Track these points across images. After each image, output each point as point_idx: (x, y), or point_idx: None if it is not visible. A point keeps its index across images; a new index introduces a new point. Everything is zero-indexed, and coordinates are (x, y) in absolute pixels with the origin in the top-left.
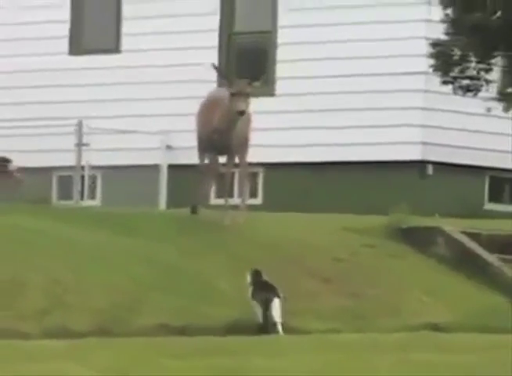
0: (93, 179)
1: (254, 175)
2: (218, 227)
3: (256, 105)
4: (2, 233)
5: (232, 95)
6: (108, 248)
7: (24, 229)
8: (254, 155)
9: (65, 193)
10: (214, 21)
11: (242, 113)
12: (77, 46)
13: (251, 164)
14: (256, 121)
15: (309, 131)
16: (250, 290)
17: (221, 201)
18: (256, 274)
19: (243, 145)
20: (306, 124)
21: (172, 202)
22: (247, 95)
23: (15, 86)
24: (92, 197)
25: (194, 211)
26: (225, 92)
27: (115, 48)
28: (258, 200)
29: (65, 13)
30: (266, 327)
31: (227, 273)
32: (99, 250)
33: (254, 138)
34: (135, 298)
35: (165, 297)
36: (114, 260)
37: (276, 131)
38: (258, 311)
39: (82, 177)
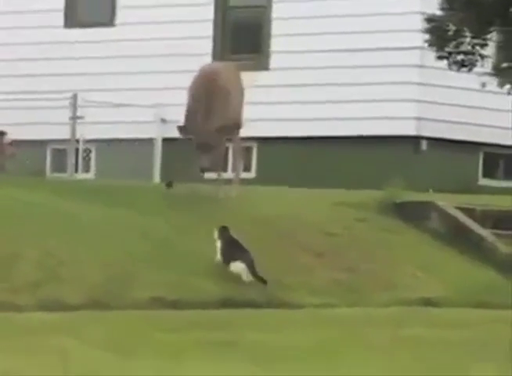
0: (87, 153)
1: (248, 150)
2: (212, 201)
3: (250, 79)
4: None
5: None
6: (102, 221)
7: (18, 201)
8: (247, 129)
9: (59, 166)
10: None
11: (203, 170)
12: (72, 19)
13: (245, 139)
14: (250, 95)
15: (303, 105)
16: (220, 248)
17: (214, 175)
18: (224, 232)
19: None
20: (300, 98)
21: (166, 176)
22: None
23: (10, 59)
24: (86, 170)
25: (169, 185)
26: (217, 66)
27: (110, 22)
28: (252, 174)
29: None
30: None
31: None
32: (93, 223)
33: (248, 112)
34: (128, 272)
35: (159, 270)
36: (108, 233)
37: (270, 106)
38: (243, 271)
39: (76, 150)
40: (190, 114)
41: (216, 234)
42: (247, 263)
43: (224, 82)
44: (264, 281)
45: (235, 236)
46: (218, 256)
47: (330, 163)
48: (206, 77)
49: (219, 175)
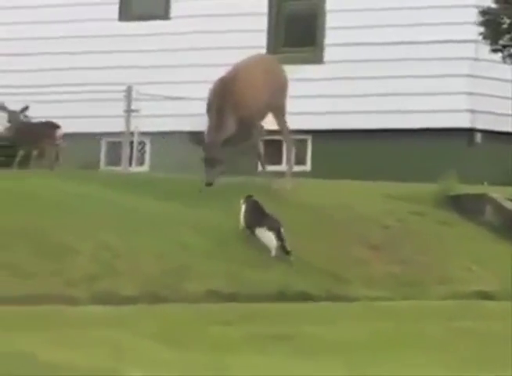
0: (142, 145)
1: (303, 143)
2: (266, 193)
3: (305, 72)
4: (51, 198)
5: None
6: (157, 214)
7: (72, 194)
8: (302, 122)
9: (113, 159)
10: None
11: (208, 185)
12: (126, 12)
13: (300, 132)
14: (305, 89)
15: (357, 98)
16: (243, 213)
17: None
18: (249, 198)
19: (277, 109)
20: (354, 91)
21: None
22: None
23: (65, 52)
24: (141, 163)
25: (209, 185)
26: (238, 67)
27: (164, 15)
28: (307, 168)
29: None
30: (281, 253)
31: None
32: (148, 216)
33: (303, 105)
34: (184, 265)
35: (214, 263)
36: (163, 226)
37: (324, 99)
38: (269, 239)
39: (131, 143)
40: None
41: (241, 201)
42: (274, 230)
43: (239, 85)
44: (287, 252)
45: (261, 204)
46: (242, 222)
47: (385, 156)
48: (219, 88)
49: (264, 167)
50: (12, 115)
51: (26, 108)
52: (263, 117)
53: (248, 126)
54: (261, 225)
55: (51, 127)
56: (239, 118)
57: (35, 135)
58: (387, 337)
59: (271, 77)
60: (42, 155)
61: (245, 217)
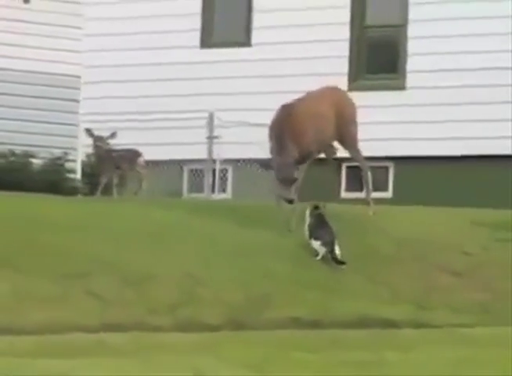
0: (224, 172)
1: (385, 169)
2: (347, 220)
3: (386, 98)
4: (134, 225)
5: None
6: (239, 242)
7: (156, 221)
8: (384, 149)
9: (196, 186)
10: (346, 14)
11: (291, 202)
12: (208, 39)
13: (382, 158)
14: (386, 115)
15: (439, 124)
16: (307, 225)
17: (350, 195)
18: (315, 209)
19: (346, 140)
20: (436, 117)
21: (300, 195)
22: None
23: (147, 79)
24: (223, 189)
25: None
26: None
27: (246, 42)
28: (389, 194)
29: (196, 6)
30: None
31: (356, 265)
32: (231, 243)
33: (384, 132)
34: (266, 292)
35: (296, 290)
36: (245, 253)
37: (406, 125)
38: (320, 250)
39: (213, 170)
40: (271, 151)
41: (308, 212)
42: (325, 243)
43: (298, 114)
44: (341, 262)
45: (326, 215)
46: (306, 233)
47: (467, 182)
48: (280, 115)
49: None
50: (98, 141)
51: (113, 134)
52: (323, 147)
53: (306, 155)
54: (316, 238)
55: (133, 154)
56: (297, 146)
57: (117, 162)
58: (472, 363)
59: (336, 109)
60: (124, 183)
61: (308, 229)
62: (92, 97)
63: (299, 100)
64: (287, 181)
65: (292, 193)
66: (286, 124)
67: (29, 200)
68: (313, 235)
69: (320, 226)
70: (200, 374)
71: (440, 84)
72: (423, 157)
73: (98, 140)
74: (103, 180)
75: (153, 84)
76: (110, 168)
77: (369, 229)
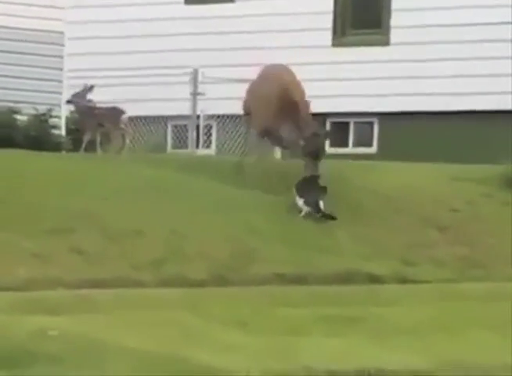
0: (208, 128)
1: (369, 125)
2: (331, 175)
3: (371, 54)
4: (118, 182)
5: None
6: (224, 198)
7: (140, 178)
8: (368, 105)
9: (180, 141)
10: None
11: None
12: None
13: (366, 114)
14: (370, 70)
15: (423, 80)
16: (296, 183)
17: (334, 150)
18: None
19: None
20: (420, 73)
21: (286, 152)
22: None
23: (131, 35)
24: (207, 146)
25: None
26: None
27: None
28: (373, 150)
29: None
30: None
31: (342, 222)
32: (216, 199)
33: (369, 88)
34: (251, 248)
35: (281, 246)
36: (231, 209)
37: (391, 81)
38: (303, 208)
39: (197, 126)
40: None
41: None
42: (307, 202)
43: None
44: (331, 217)
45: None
46: (294, 190)
47: (451, 138)
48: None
49: None
50: (77, 98)
51: (91, 88)
52: None
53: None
54: (300, 196)
55: (116, 112)
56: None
57: (100, 120)
58: (455, 317)
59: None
60: (108, 140)
61: (295, 187)
62: (76, 53)
63: (287, 77)
64: (316, 153)
65: (319, 169)
66: (298, 99)
67: (13, 155)
68: (298, 193)
69: (308, 185)
70: (185, 331)
71: (424, 40)
72: (408, 112)
73: (77, 97)
74: (86, 137)
75: (138, 40)
76: (93, 125)
77: (354, 185)
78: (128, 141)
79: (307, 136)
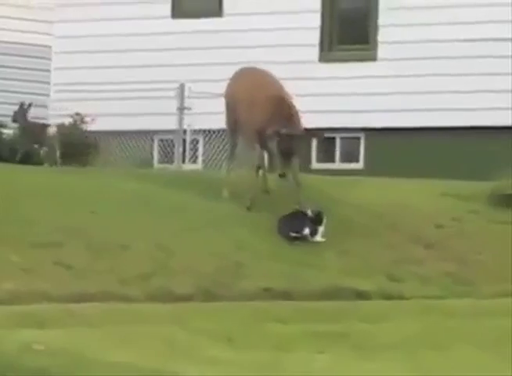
0: (194, 143)
1: (356, 140)
2: (318, 191)
3: (357, 69)
4: (105, 196)
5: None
6: (211, 213)
7: (127, 192)
8: (355, 120)
9: (166, 156)
10: None
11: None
12: (179, 10)
13: (353, 130)
14: (357, 86)
15: (410, 95)
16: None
17: (321, 166)
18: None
19: None
20: (407, 88)
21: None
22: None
23: (118, 49)
24: (194, 160)
25: (282, 176)
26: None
27: (218, 12)
28: (360, 165)
29: None
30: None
31: (329, 237)
32: (202, 214)
33: (356, 103)
34: (238, 263)
35: (268, 261)
36: (217, 224)
37: (377, 96)
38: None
39: (184, 141)
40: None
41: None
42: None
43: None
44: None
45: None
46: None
47: (439, 154)
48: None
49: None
50: (19, 114)
51: (29, 106)
52: None
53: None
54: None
55: (41, 127)
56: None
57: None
58: (440, 334)
59: None
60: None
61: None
62: (64, 67)
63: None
64: (287, 152)
65: (287, 167)
66: (284, 94)
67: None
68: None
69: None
70: (172, 346)
71: (411, 56)
72: (395, 128)
73: (19, 115)
74: (21, 151)
75: (124, 55)
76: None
77: (341, 201)
78: (58, 154)
79: (282, 133)
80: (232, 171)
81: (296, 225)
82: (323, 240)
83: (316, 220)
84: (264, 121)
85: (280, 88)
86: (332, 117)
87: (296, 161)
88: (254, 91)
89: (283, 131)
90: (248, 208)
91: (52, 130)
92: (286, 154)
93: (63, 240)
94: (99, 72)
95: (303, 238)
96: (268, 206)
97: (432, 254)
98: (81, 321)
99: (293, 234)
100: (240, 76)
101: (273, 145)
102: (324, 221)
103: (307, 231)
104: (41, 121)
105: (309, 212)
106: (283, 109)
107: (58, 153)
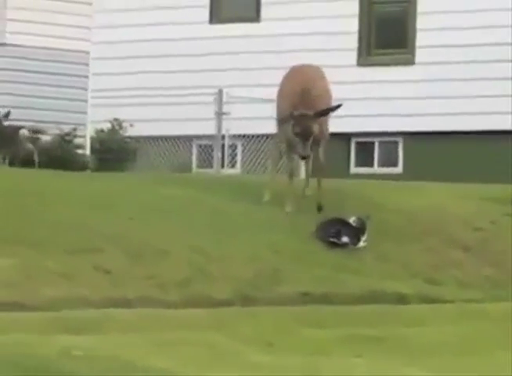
0: (233, 148)
1: (395, 144)
2: (357, 195)
3: (396, 73)
4: (145, 201)
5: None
6: (249, 217)
7: (166, 197)
8: (393, 124)
9: (205, 161)
10: None
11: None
12: (217, 15)
13: (392, 134)
14: (395, 90)
15: (450, 100)
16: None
17: (360, 170)
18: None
19: None
20: (445, 93)
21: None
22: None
23: (156, 55)
24: (232, 165)
25: (320, 209)
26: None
27: (255, 17)
28: (399, 169)
29: None
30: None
31: (368, 241)
32: (241, 219)
33: (393, 107)
34: (277, 267)
35: (306, 266)
36: (256, 229)
37: (416, 100)
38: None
39: (222, 146)
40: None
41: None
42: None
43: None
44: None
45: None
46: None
47: (477, 157)
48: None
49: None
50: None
51: (7, 114)
52: None
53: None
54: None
55: (14, 129)
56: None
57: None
58: (481, 338)
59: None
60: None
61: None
62: (101, 73)
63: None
64: (304, 134)
65: (308, 150)
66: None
67: (39, 175)
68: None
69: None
70: (212, 351)
71: (449, 60)
72: (433, 132)
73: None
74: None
75: (163, 60)
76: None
77: (380, 205)
78: (35, 156)
79: (296, 115)
80: (276, 174)
81: (335, 231)
82: (365, 244)
83: (359, 229)
84: (290, 108)
85: (309, 79)
86: (370, 121)
87: (319, 149)
88: (288, 85)
89: (295, 113)
90: (287, 212)
91: (23, 132)
92: (304, 136)
93: (101, 245)
94: (137, 77)
95: (342, 245)
96: (307, 210)
97: (471, 258)
98: (120, 327)
99: (332, 239)
100: (288, 73)
101: (289, 129)
102: (367, 229)
103: (346, 239)
104: (15, 124)
105: (352, 221)
106: (302, 97)
107: (35, 156)
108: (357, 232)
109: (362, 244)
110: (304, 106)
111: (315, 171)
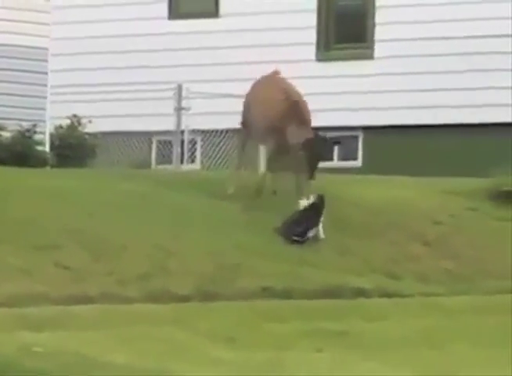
0: (193, 143)
1: (354, 139)
2: (319, 191)
3: (355, 68)
4: (103, 198)
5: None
6: (209, 213)
7: (125, 193)
8: (353, 118)
9: (164, 157)
10: None
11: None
12: (176, 10)
13: (351, 128)
14: (355, 85)
15: (407, 94)
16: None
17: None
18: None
19: None
20: (404, 87)
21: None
22: None
23: (114, 51)
24: (192, 161)
25: (274, 193)
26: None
27: (214, 13)
28: (358, 163)
29: None
30: None
31: (327, 235)
32: (201, 214)
33: (353, 101)
34: (237, 262)
35: (267, 261)
36: (216, 224)
37: (375, 95)
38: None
39: (182, 141)
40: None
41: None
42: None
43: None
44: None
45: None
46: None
47: (437, 151)
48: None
49: None
50: None
51: None
52: None
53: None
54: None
55: None
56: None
57: None
58: (440, 332)
59: None
60: None
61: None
62: (60, 69)
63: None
64: (318, 156)
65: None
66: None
67: None
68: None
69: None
70: (172, 347)
71: (408, 53)
72: (392, 126)
73: None
74: None
75: (122, 56)
76: None
77: (339, 199)
78: None
79: (311, 138)
80: (239, 169)
81: (301, 230)
82: (323, 237)
83: (319, 205)
84: (276, 119)
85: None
86: (330, 115)
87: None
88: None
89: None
90: (244, 209)
91: None
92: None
93: (61, 242)
94: (96, 74)
95: (304, 242)
96: (266, 206)
97: (431, 252)
98: (80, 323)
99: (295, 238)
100: (256, 84)
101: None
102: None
103: (310, 234)
104: None
105: (312, 198)
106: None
107: None
108: (318, 208)
109: (321, 232)
110: (297, 120)
111: (296, 169)
